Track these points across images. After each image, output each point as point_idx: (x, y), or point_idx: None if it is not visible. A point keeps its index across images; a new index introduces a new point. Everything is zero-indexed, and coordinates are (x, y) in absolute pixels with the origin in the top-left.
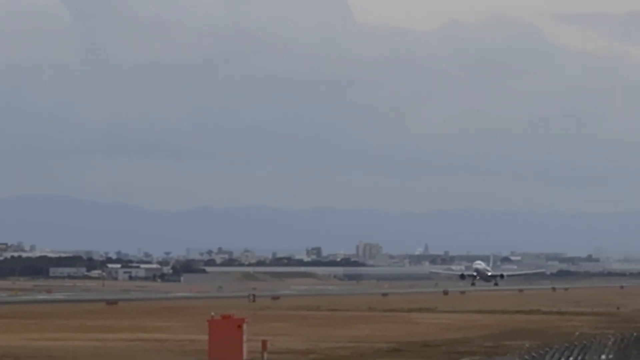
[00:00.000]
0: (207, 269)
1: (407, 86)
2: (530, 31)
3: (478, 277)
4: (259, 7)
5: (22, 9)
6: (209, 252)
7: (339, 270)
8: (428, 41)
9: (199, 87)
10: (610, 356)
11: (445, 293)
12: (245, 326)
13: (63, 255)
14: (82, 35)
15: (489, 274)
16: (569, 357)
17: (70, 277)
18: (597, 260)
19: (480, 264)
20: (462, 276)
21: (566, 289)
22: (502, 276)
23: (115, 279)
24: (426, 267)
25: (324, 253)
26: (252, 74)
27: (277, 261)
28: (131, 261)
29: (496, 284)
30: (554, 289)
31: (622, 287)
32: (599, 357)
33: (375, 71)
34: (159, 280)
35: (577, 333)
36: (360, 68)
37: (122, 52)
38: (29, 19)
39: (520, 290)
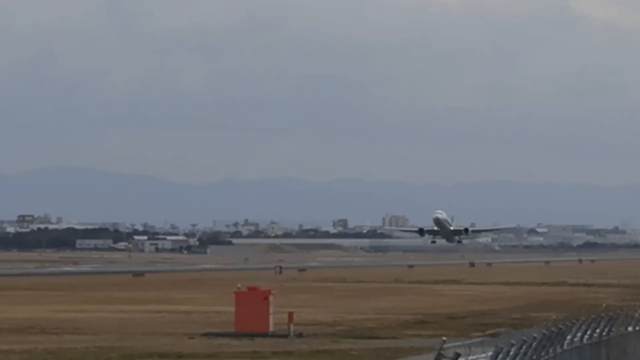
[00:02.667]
0: (234, 240)
1: (432, 58)
2: (556, 2)
3: (439, 231)
4: None
5: None
6: (235, 224)
7: (365, 242)
8: (452, 13)
9: (224, 60)
10: (637, 328)
11: (472, 265)
12: (271, 298)
13: (90, 227)
14: (108, 7)
15: (452, 228)
16: (595, 329)
17: (96, 249)
18: (624, 232)
19: (440, 214)
20: (421, 231)
21: (593, 261)
22: (466, 230)
23: (142, 250)
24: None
25: (350, 225)
26: (276, 47)
27: (303, 233)
28: (157, 233)
29: (460, 242)
30: (580, 260)
31: None
32: (626, 329)
33: (400, 43)
34: (185, 252)
35: (604, 305)
36: (385, 40)
37: (147, 24)
38: None
39: (547, 262)
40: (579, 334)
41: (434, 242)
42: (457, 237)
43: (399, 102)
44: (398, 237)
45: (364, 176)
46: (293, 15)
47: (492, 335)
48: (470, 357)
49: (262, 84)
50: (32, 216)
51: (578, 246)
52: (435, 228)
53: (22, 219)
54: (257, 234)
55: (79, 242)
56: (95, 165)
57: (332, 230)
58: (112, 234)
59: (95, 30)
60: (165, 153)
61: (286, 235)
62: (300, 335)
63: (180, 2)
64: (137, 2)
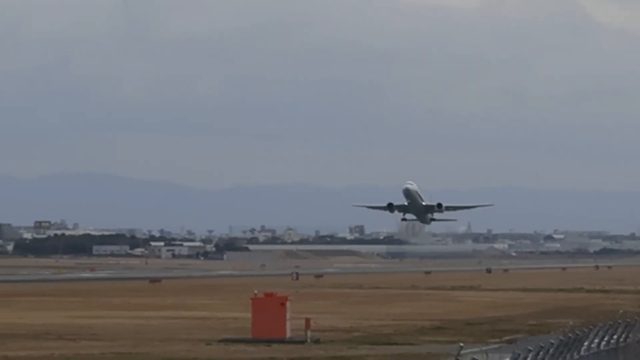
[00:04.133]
0: (250, 247)
1: (447, 63)
2: (570, 8)
3: (409, 207)
4: None
5: None
6: (252, 230)
7: (382, 248)
8: (468, 18)
9: (238, 64)
10: None
11: (489, 271)
12: (288, 304)
13: (106, 233)
14: (121, 11)
15: (423, 203)
16: (612, 335)
17: (113, 255)
18: None
19: (411, 184)
20: (390, 206)
21: (609, 267)
22: (439, 206)
23: (159, 257)
24: (469, 245)
25: (367, 231)
26: (291, 52)
27: (320, 239)
28: (174, 239)
29: (433, 219)
30: (597, 267)
31: None
32: None
33: (415, 48)
34: (202, 258)
35: (621, 311)
36: (400, 45)
37: (160, 28)
38: None
39: (564, 269)
40: (596, 340)
41: (404, 219)
42: (429, 215)
43: (415, 108)
44: (415, 244)
45: (380, 182)
46: (308, 20)
47: (509, 342)
48: None
49: (277, 88)
50: (49, 222)
51: (595, 252)
52: (406, 203)
53: (38, 225)
54: (273, 240)
55: (96, 248)
56: (112, 171)
57: (349, 237)
58: (129, 240)
59: (110, 35)
60: (182, 159)
61: (303, 241)
62: (317, 342)
63: (194, 7)
64: (150, 7)
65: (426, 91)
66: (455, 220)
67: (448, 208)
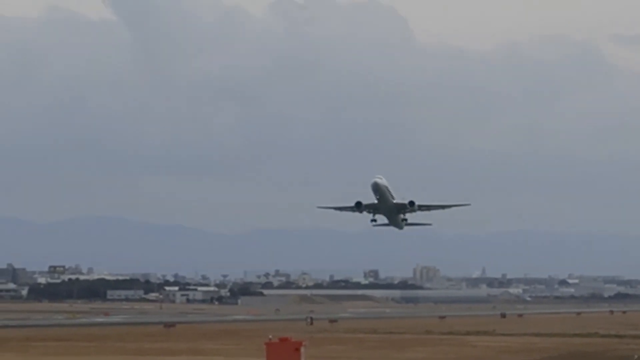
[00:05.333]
0: (265, 291)
1: (465, 103)
2: (589, 51)
3: (379, 206)
4: (318, 24)
5: (81, 25)
6: (266, 275)
7: (396, 293)
8: (487, 58)
9: (257, 105)
10: None
11: (503, 316)
12: (302, 349)
13: (120, 277)
14: (140, 52)
15: (394, 201)
16: None
17: (127, 299)
18: None
19: (380, 179)
20: (358, 205)
21: (624, 312)
22: (411, 204)
23: (173, 301)
24: (484, 290)
25: (382, 276)
26: (310, 91)
27: (334, 284)
28: (189, 284)
29: (405, 220)
30: (611, 311)
31: None
32: None
33: (432, 89)
34: (216, 303)
35: (636, 356)
36: (418, 85)
37: (179, 69)
38: (87, 35)
39: (578, 313)
40: None
41: (374, 220)
42: (401, 216)
43: (431, 147)
44: (429, 289)
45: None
46: (328, 61)
47: None
48: None
49: (295, 129)
50: (63, 267)
51: (609, 297)
52: (375, 201)
53: (53, 270)
54: (288, 284)
55: (110, 293)
56: (126, 215)
57: (363, 281)
58: (143, 285)
59: (127, 76)
60: (197, 202)
61: (317, 286)
62: None
63: (213, 48)
64: (169, 47)
65: (442, 131)
66: (430, 224)
67: (421, 207)
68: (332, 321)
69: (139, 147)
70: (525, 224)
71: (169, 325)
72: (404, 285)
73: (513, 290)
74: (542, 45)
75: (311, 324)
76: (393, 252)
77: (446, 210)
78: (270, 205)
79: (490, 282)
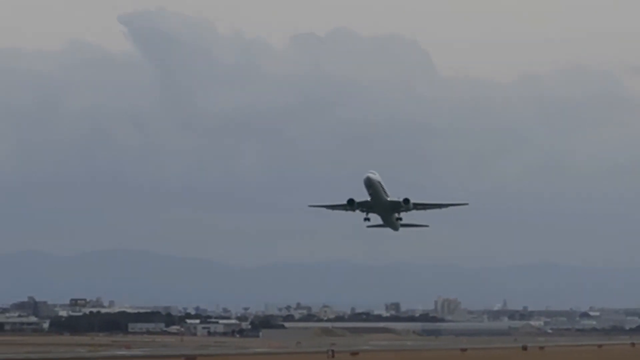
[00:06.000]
0: (286, 324)
1: (485, 138)
2: (609, 84)
3: (372, 203)
4: (339, 60)
5: (102, 59)
6: (288, 308)
7: (418, 325)
8: (507, 93)
9: (278, 141)
10: None
11: (524, 348)
12: None
13: (142, 310)
14: (163, 88)
15: (388, 198)
16: None
17: (149, 332)
18: None
19: (373, 174)
20: (351, 202)
21: None
22: (406, 202)
23: (194, 334)
24: (505, 323)
25: (403, 308)
26: (332, 125)
27: (355, 316)
28: (210, 317)
29: (399, 219)
30: (633, 344)
31: None
32: None
33: (453, 123)
34: (237, 335)
35: None
36: (439, 119)
37: (201, 105)
38: (109, 69)
39: (600, 346)
40: None
41: (367, 219)
42: (396, 215)
43: (452, 183)
44: (450, 321)
45: (416, 259)
46: (350, 97)
47: None
48: None
49: (317, 165)
50: (85, 300)
51: (631, 329)
52: (368, 198)
53: (74, 303)
54: (309, 317)
55: (131, 326)
56: (148, 247)
57: (385, 314)
58: (164, 318)
59: (149, 110)
60: (217, 235)
61: (338, 318)
62: None
63: (234, 82)
64: (191, 82)
65: (463, 165)
66: (427, 226)
67: (417, 206)
68: (354, 354)
69: (161, 181)
70: (545, 257)
71: (190, 358)
72: (425, 317)
73: (534, 322)
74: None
75: (332, 356)
76: (414, 285)
77: (467, 241)
78: (291, 239)
79: (512, 315)
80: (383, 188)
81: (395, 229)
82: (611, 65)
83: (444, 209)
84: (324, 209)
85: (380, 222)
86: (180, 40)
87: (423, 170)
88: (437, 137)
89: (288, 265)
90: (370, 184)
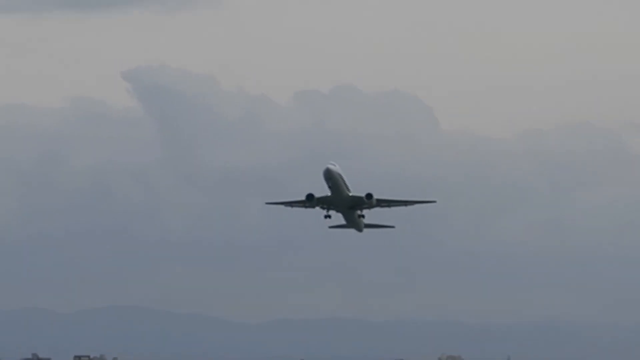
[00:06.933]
0: None
1: (488, 194)
2: (613, 141)
3: (333, 199)
4: (342, 116)
5: (105, 115)
6: None
7: None
8: (509, 149)
9: (281, 195)
10: None
11: None
12: None
13: None
14: (166, 143)
15: (350, 193)
16: None
17: None
18: None
19: (333, 165)
20: (310, 197)
21: None
22: (369, 197)
23: None
24: None
25: None
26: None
27: None
28: None
29: (362, 217)
30: None
31: None
32: None
33: (455, 178)
34: None
35: None
36: (441, 176)
37: (204, 160)
38: (112, 125)
39: None
40: None
41: (328, 216)
42: (358, 211)
43: (453, 239)
44: None
45: (418, 315)
46: (352, 153)
47: None
48: None
49: (317, 221)
50: (88, 356)
51: None
52: (329, 193)
53: (78, 359)
54: None
55: None
56: (151, 304)
57: None
58: None
59: (151, 166)
60: (219, 291)
61: None
62: None
63: (238, 139)
64: (194, 138)
65: (466, 222)
66: (393, 227)
67: (381, 202)
68: None
69: (162, 237)
70: (550, 315)
71: None
72: None
73: None
74: (564, 133)
75: None
76: (417, 341)
77: (470, 298)
78: (295, 295)
79: None
80: (344, 182)
81: (359, 229)
82: (614, 122)
83: (409, 207)
84: (282, 206)
85: (343, 222)
86: (185, 96)
87: (421, 227)
88: (438, 193)
89: (290, 322)
90: (329, 176)
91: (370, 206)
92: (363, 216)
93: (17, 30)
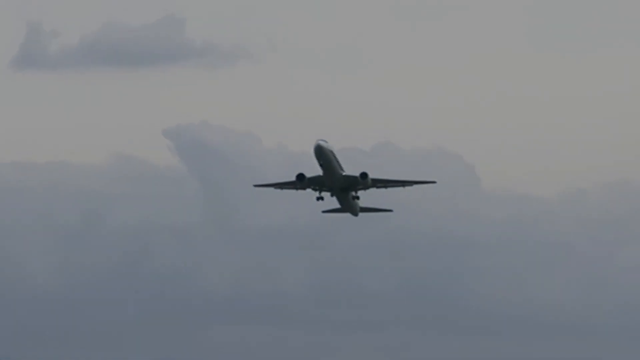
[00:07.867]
0: None
1: (528, 253)
2: None
3: (325, 179)
4: (383, 173)
5: (148, 175)
6: None
7: None
8: (551, 208)
9: (324, 252)
10: None
11: None
12: None
13: None
14: (206, 200)
15: (343, 173)
16: None
17: None
18: None
19: (325, 141)
20: (301, 177)
21: None
22: (364, 176)
23: None
24: None
25: None
26: (377, 239)
27: None
28: None
29: (356, 198)
30: None
31: None
32: None
33: (496, 237)
34: None
35: None
36: (482, 233)
37: (245, 219)
38: (153, 182)
39: None
40: None
41: (320, 198)
42: (352, 193)
43: (493, 296)
44: None
45: None
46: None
47: None
48: None
49: (361, 276)
50: None
51: None
52: (320, 173)
53: None
54: None
55: None
56: None
57: None
58: None
59: (193, 225)
60: (263, 349)
61: None
62: None
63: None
64: (234, 196)
65: (506, 280)
66: (391, 211)
67: (377, 182)
68: None
69: (202, 296)
70: None
71: None
72: None
73: None
74: (606, 191)
75: None
76: None
77: (509, 355)
78: (336, 354)
79: None
80: (337, 160)
81: (355, 213)
82: None
83: (407, 187)
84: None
85: (337, 205)
86: (227, 153)
87: (462, 284)
88: (478, 251)
89: None
90: (320, 154)
91: (366, 186)
92: (358, 197)
93: (59, 86)
